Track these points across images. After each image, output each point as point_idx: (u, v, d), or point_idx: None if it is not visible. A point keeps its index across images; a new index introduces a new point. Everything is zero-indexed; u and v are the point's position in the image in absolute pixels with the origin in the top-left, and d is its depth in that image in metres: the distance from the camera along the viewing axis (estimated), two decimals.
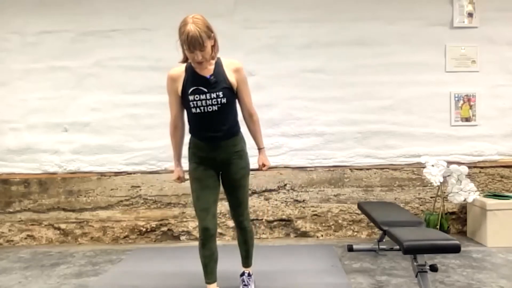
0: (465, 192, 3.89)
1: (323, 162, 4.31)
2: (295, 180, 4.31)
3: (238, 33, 4.25)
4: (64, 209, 4.33)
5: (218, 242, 4.18)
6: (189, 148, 2.65)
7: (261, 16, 4.26)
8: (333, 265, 3.44)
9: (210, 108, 2.47)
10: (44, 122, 4.32)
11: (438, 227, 3.90)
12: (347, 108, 4.29)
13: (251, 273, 2.94)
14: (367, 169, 4.32)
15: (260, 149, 2.80)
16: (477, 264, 3.40)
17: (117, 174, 4.33)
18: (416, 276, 2.60)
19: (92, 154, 4.32)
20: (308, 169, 4.31)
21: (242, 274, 2.95)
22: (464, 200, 3.91)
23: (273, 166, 4.30)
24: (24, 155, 4.34)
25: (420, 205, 4.30)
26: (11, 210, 4.35)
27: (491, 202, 3.87)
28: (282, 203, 4.31)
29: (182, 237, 4.31)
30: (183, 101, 2.56)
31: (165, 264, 3.58)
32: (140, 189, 4.32)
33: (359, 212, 4.02)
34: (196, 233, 4.29)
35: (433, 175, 3.87)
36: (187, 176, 2.72)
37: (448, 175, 3.94)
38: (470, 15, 4.25)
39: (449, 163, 4.02)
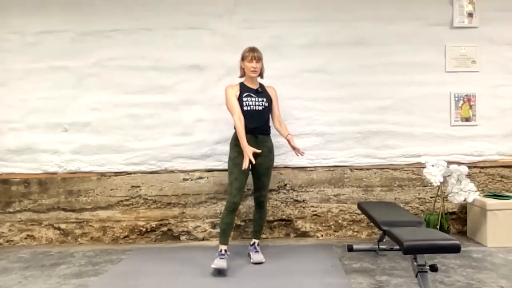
0: (465, 192, 3.89)
1: (323, 162, 4.31)
2: (295, 180, 4.31)
3: (238, 33, 4.25)
4: (64, 209, 4.33)
5: (218, 242, 4.22)
6: (233, 139, 3.52)
7: (261, 16, 4.26)
8: (333, 265, 3.44)
9: (257, 107, 3.48)
10: (44, 122, 4.33)
11: (438, 227, 3.90)
12: (347, 108, 4.29)
13: (259, 243, 3.73)
14: (367, 169, 4.32)
15: (288, 134, 3.61)
16: (477, 264, 3.40)
17: (117, 174, 4.33)
18: (416, 276, 2.60)
19: (92, 154, 4.33)
20: (308, 169, 4.32)
21: (253, 244, 3.68)
22: (464, 200, 3.91)
23: (273, 166, 4.31)
24: (24, 155, 4.34)
25: (420, 205, 4.30)
26: (11, 210, 4.35)
27: (491, 202, 3.87)
28: (282, 203, 4.31)
29: (182, 237, 4.32)
30: (238, 103, 3.48)
31: (165, 264, 3.58)
32: (140, 189, 4.32)
33: (359, 212, 4.02)
34: (196, 233, 4.30)
35: (433, 175, 3.87)
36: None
37: (448, 175, 3.94)
38: (470, 15, 4.25)
39: (449, 163, 4.02)
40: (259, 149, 3.42)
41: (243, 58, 3.51)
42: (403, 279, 3.11)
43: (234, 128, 3.46)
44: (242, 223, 4.30)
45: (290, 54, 4.27)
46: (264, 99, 3.53)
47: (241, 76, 3.60)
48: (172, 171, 4.32)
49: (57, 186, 4.33)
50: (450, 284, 3.00)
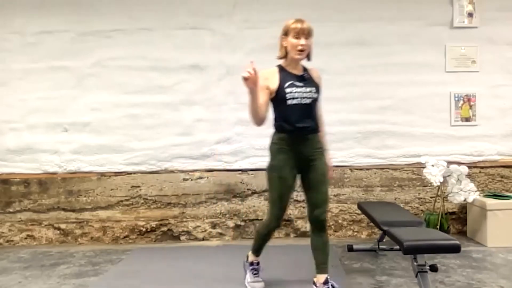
0: (465, 192, 3.89)
1: None
2: None
3: (238, 33, 4.25)
4: (64, 209, 4.33)
5: (218, 242, 4.23)
6: (274, 143, 2.75)
7: (261, 16, 4.26)
8: (333, 265, 3.43)
9: (304, 101, 2.66)
10: (44, 122, 4.32)
11: (438, 227, 3.90)
12: (347, 108, 4.29)
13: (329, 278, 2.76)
14: (367, 169, 4.32)
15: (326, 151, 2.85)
16: (477, 264, 3.40)
17: (117, 174, 4.33)
18: (416, 276, 2.60)
19: (92, 154, 4.32)
20: None
21: (326, 282, 2.71)
22: (464, 200, 3.91)
23: None
24: (24, 155, 4.34)
25: (420, 205, 4.30)
26: (11, 210, 4.35)
27: (491, 202, 3.87)
28: None
29: (182, 237, 4.31)
30: (277, 95, 2.68)
31: (165, 264, 3.58)
32: (140, 189, 4.32)
33: (359, 212, 4.02)
34: (196, 233, 4.30)
35: (433, 175, 3.87)
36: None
37: (448, 175, 3.94)
38: (470, 15, 4.25)
39: (449, 163, 4.02)
40: (312, 152, 2.70)
41: (286, 33, 2.69)
42: (403, 279, 3.11)
43: (276, 127, 2.78)
44: (242, 223, 4.30)
45: None
46: (313, 89, 2.72)
47: (282, 57, 2.77)
48: (172, 171, 4.32)
49: (57, 186, 4.33)
50: (450, 284, 3.00)
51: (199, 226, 4.31)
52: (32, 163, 4.34)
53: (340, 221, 4.31)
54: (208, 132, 4.30)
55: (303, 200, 4.28)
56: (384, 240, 3.56)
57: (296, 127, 2.65)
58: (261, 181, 4.29)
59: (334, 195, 4.30)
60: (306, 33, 2.66)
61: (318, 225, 2.71)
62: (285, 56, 2.74)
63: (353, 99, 4.28)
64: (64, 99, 4.32)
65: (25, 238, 4.35)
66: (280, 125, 2.72)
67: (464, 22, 4.25)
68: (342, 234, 4.30)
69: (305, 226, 4.30)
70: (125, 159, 4.32)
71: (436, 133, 4.29)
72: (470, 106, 4.29)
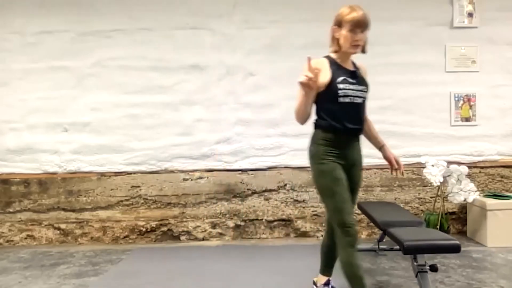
0: (465, 192, 3.89)
1: None
2: (295, 180, 4.31)
3: (238, 33, 4.25)
4: (64, 209, 4.33)
5: (218, 242, 4.23)
6: (319, 144, 2.40)
7: (261, 16, 4.26)
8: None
9: (356, 100, 2.43)
10: (44, 122, 4.32)
11: (438, 227, 3.90)
12: None
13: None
14: (367, 169, 4.31)
15: (384, 145, 2.73)
16: (477, 264, 3.40)
17: (117, 174, 4.33)
18: (416, 276, 2.60)
19: (92, 154, 4.32)
20: (308, 169, 4.27)
21: (327, 283, 2.66)
22: (464, 200, 3.91)
23: (273, 166, 4.31)
24: (24, 155, 4.34)
25: (420, 205, 4.30)
26: (11, 210, 4.35)
27: (491, 202, 3.87)
28: (282, 203, 4.31)
29: (182, 237, 4.31)
30: (328, 90, 2.38)
31: (165, 264, 3.58)
32: (140, 189, 4.32)
33: (359, 212, 4.01)
34: (196, 233, 4.29)
35: (433, 175, 3.87)
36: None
37: (448, 175, 3.94)
38: (470, 15, 4.25)
39: (449, 163, 4.02)
40: (355, 157, 2.50)
41: (340, 24, 2.39)
42: (403, 279, 3.11)
43: (316, 125, 2.48)
44: (242, 223, 4.30)
45: (290, 54, 4.27)
46: (365, 87, 2.51)
47: (334, 51, 2.45)
48: (172, 171, 4.32)
49: (57, 186, 4.33)
50: (450, 284, 3.00)
51: (199, 226, 4.31)
52: (32, 163, 4.34)
53: None
54: (208, 132, 4.30)
55: (303, 200, 4.30)
56: (384, 240, 3.56)
57: (346, 127, 2.39)
58: (261, 181, 4.30)
59: None
60: (363, 26, 2.40)
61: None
62: (337, 49, 2.43)
63: None
64: (64, 99, 4.32)
65: (25, 238, 4.35)
66: (328, 124, 2.40)
67: (464, 22, 4.25)
68: None
69: (305, 226, 4.30)
70: (125, 159, 4.32)
71: (436, 133, 4.29)
72: (470, 106, 4.29)
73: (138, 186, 4.32)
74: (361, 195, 4.30)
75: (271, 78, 4.28)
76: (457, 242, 2.47)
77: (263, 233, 4.30)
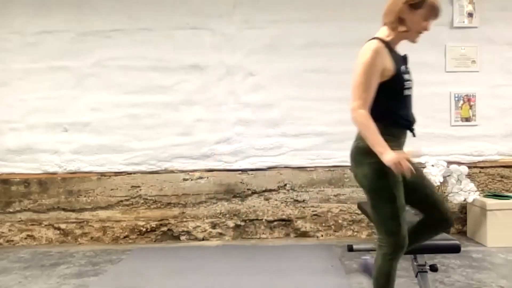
0: (465, 192, 3.89)
1: (323, 162, 4.30)
2: (295, 180, 4.31)
3: (238, 33, 4.25)
4: (64, 209, 4.33)
5: (218, 242, 4.23)
6: (366, 146, 2.12)
7: (261, 16, 4.26)
8: (333, 265, 3.44)
9: (411, 91, 2.18)
10: (44, 122, 4.32)
11: None
12: (347, 108, 4.23)
13: None
14: None
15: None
16: (477, 264, 3.40)
17: (117, 174, 4.33)
18: (416, 276, 2.60)
19: (92, 154, 4.32)
20: (308, 169, 4.31)
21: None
22: (464, 200, 3.91)
23: (273, 166, 4.31)
24: (24, 155, 4.34)
25: None
26: (11, 210, 4.34)
27: (491, 202, 3.87)
28: (282, 203, 4.31)
29: (182, 237, 4.31)
30: (393, 81, 2.08)
31: (165, 264, 3.58)
32: (140, 189, 4.32)
33: (359, 212, 4.01)
34: (196, 233, 4.29)
35: (433, 175, 3.87)
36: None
37: (448, 175, 3.93)
38: (470, 15, 4.25)
39: (449, 163, 4.02)
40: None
41: (416, 6, 2.08)
42: (403, 279, 3.11)
43: (385, 121, 2.10)
44: (242, 223, 4.30)
45: (290, 54, 4.26)
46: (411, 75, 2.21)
47: (393, 32, 2.16)
48: (172, 171, 4.32)
49: (57, 186, 4.33)
50: (450, 284, 3.00)
51: (199, 226, 4.31)
52: (32, 163, 4.34)
53: (340, 221, 4.31)
54: (208, 132, 4.30)
55: (303, 200, 4.30)
56: None
57: (409, 122, 2.17)
58: (261, 181, 4.30)
59: (334, 195, 4.30)
60: (438, 17, 2.15)
61: (441, 221, 2.20)
62: (395, 30, 2.13)
63: None
64: (64, 99, 4.31)
65: (25, 238, 4.35)
66: (392, 118, 2.13)
67: (464, 22, 4.25)
68: (342, 234, 4.30)
69: (305, 226, 4.30)
70: (125, 159, 4.32)
71: (436, 133, 4.29)
72: (470, 106, 4.28)
73: (138, 186, 4.32)
74: (361, 195, 4.30)
75: (271, 78, 4.27)
76: (457, 242, 2.47)
77: (263, 233, 4.30)
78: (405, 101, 2.14)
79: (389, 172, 2.00)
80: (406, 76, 2.12)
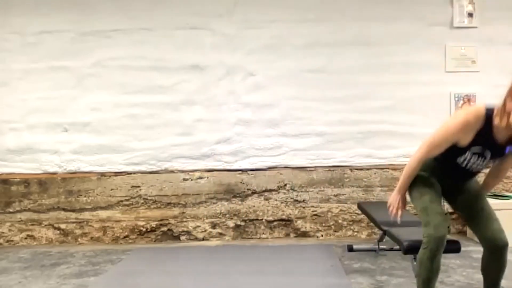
0: None
1: (323, 162, 4.31)
2: (295, 180, 4.31)
3: (238, 33, 4.25)
4: (64, 209, 4.33)
5: (218, 242, 4.23)
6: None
7: (261, 16, 4.26)
8: (333, 265, 3.44)
9: (472, 168, 2.27)
10: (44, 122, 4.32)
11: None
12: (347, 108, 4.29)
13: None
14: (367, 169, 4.31)
15: None
16: (477, 264, 3.37)
17: (117, 174, 4.33)
18: (416, 276, 2.60)
19: (92, 154, 4.32)
20: (308, 169, 4.31)
21: None
22: None
23: (273, 166, 4.31)
24: (24, 155, 4.34)
25: None
26: (11, 210, 4.34)
27: (491, 202, 3.84)
28: (282, 203, 4.31)
29: (182, 237, 4.31)
30: (456, 147, 2.19)
31: (165, 264, 3.58)
32: (140, 189, 4.32)
33: (359, 212, 4.01)
34: (196, 233, 4.29)
35: None
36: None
37: None
38: (470, 15, 4.25)
39: None
40: None
41: None
42: (403, 279, 3.11)
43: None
44: (242, 223, 4.30)
45: (290, 54, 4.26)
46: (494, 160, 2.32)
47: (496, 116, 2.14)
48: (172, 171, 4.32)
49: (57, 186, 4.33)
50: (450, 284, 3.00)
51: (199, 226, 4.31)
52: (32, 163, 4.34)
53: (340, 221, 4.31)
54: (208, 132, 4.30)
55: (303, 200, 4.30)
56: (384, 240, 3.55)
57: (445, 175, 2.45)
58: (261, 181, 4.30)
59: (334, 195, 4.30)
60: None
61: (494, 247, 2.35)
62: (503, 124, 2.09)
63: (353, 99, 4.27)
64: (64, 99, 4.31)
65: (25, 238, 4.35)
66: (435, 159, 2.38)
67: (464, 22, 4.25)
68: (342, 234, 4.30)
69: (305, 226, 4.30)
70: (125, 159, 4.32)
71: None
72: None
73: (138, 186, 4.32)
74: (361, 195, 4.30)
75: (271, 78, 4.27)
76: (457, 242, 2.46)
77: (263, 233, 4.30)
78: (456, 168, 2.26)
79: (416, 180, 2.38)
80: (472, 158, 2.18)
